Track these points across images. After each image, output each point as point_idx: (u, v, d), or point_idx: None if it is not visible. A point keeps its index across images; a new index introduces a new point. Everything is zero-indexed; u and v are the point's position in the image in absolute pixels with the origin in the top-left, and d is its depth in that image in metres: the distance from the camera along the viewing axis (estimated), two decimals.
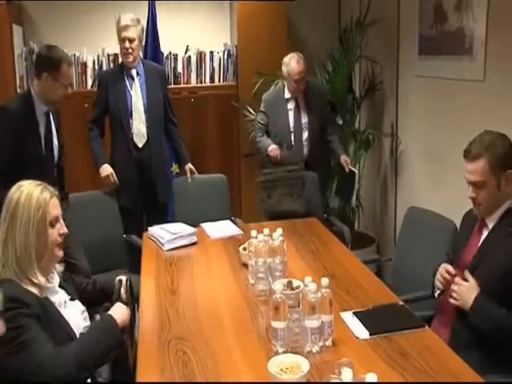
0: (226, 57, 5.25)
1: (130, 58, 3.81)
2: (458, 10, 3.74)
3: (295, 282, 2.37)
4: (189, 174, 4.04)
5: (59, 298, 2.04)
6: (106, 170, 3.76)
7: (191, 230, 3.26)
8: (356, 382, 1.65)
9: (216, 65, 5.25)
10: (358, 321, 2.22)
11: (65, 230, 2.05)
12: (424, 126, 4.21)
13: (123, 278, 2.32)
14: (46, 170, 3.24)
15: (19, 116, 3.18)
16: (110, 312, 2.10)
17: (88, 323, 2.14)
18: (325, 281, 2.04)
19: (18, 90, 4.79)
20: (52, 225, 1.99)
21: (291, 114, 4.23)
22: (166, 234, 3.19)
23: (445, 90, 3.95)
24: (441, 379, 1.83)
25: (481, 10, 3.47)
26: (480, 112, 3.51)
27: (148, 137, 3.86)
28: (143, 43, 4.81)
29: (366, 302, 2.39)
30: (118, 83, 3.84)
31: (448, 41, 3.88)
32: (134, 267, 3.13)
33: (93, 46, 5.06)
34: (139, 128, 3.84)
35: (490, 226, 2.24)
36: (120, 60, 4.16)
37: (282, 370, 1.82)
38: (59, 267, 2.14)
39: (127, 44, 3.77)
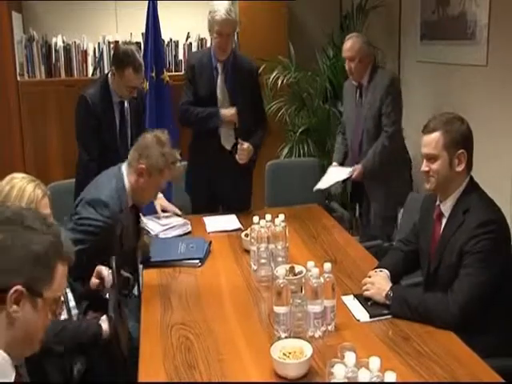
0: None
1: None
2: None
3: (297, 268, 2.37)
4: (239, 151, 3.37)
5: None
6: (229, 111, 3.35)
7: (181, 220, 3.23)
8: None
9: None
10: (359, 303, 2.23)
11: None
12: (426, 111, 4.19)
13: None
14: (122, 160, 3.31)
15: (96, 102, 3.20)
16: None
17: (75, 312, 2.15)
18: (327, 266, 2.04)
19: (18, 78, 4.79)
20: None
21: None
22: (157, 226, 3.16)
23: (447, 75, 3.93)
24: (443, 362, 1.83)
25: None
26: (483, 97, 3.50)
27: (235, 140, 3.40)
28: (143, 31, 4.81)
29: None
30: (206, 75, 3.40)
31: (450, 25, 3.86)
32: None
33: (93, 33, 5.02)
34: (227, 130, 3.41)
35: (446, 214, 2.24)
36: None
37: (284, 354, 1.83)
38: None
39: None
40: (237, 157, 3.36)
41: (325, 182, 3.61)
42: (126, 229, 2.63)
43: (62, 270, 1.35)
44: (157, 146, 2.62)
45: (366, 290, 2.25)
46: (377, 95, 3.60)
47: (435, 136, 2.17)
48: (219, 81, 3.39)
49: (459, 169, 2.18)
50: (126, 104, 3.33)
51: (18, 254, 1.28)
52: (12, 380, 1.29)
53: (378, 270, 2.37)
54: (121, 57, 3.21)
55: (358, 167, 3.62)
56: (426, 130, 2.22)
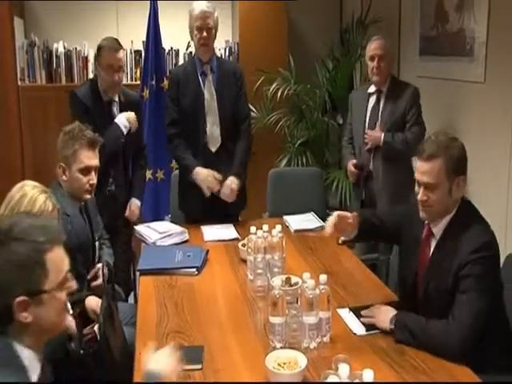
0: (227, 54, 5.24)
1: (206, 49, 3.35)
2: (459, 11, 3.75)
3: (294, 279, 2.38)
4: (224, 191, 3.35)
5: None
6: (201, 173, 3.32)
7: (178, 228, 3.23)
8: (352, 381, 1.66)
9: None
10: (355, 317, 2.23)
11: None
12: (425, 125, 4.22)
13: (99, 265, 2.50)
14: (114, 168, 3.35)
15: (86, 100, 3.25)
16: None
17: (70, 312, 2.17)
18: (323, 277, 2.05)
19: (19, 83, 4.81)
20: None
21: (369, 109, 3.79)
22: (154, 234, 3.16)
23: (446, 91, 3.95)
24: (438, 378, 1.84)
25: (482, 11, 3.49)
26: (480, 113, 3.52)
27: (222, 141, 3.40)
28: (144, 39, 4.83)
29: (363, 299, 2.39)
30: (192, 80, 3.39)
31: (449, 42, 3.90)
32: None
33: (94, 40, 5.00)
34: (212, 131, 3.39)
35: (437, 236, 2.15)
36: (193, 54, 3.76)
37: (279, 364, 1.83)
38: None
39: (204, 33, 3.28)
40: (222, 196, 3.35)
41: (296, 223, 3.42)
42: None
43: (52, 257, 1.37)
44: (63, 137, 2.59)
45: (371, 316, 2.17)
46: (401, 103, 3.60)
47: (436, 164, 2.04)
48: (207, 82, 3.38)
49: (458, 195, 2.10)
50: (114, 107, 3.35)
51: (5, 271, 1.33)
52: (37, 376, 1.37)
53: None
54: (98, 45, 3.36)
55: (377, 132, 3.61)
56: (424, 155, 2.07)
